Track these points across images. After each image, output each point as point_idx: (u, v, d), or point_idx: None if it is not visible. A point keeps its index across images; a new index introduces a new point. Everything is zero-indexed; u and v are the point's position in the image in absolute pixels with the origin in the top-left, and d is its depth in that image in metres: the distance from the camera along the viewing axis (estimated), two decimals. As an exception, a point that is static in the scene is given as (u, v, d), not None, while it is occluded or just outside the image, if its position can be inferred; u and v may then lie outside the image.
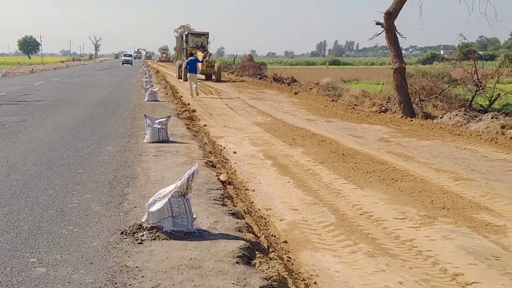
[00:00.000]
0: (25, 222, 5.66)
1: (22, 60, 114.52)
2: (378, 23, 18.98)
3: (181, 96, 24.99)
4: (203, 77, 41.01)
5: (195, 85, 26.57)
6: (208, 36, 43.25)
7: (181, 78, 40.56)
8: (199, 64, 33.34)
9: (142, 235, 5.19)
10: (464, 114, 16.59)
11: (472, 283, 5.13)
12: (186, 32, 47.57)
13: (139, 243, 5.05)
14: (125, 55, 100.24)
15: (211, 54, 43.67)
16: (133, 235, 5.22)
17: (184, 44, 44.59)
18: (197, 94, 26.38)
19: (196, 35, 44.72)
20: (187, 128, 13.61)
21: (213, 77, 40.43)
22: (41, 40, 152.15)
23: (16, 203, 6.40)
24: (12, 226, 5.53)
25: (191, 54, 31.57)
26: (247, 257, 4.83)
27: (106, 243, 5.08)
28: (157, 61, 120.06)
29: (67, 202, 6.49)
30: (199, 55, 38.71)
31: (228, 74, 48.47)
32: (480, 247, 6.06)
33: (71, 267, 4.49)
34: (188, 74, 28.06)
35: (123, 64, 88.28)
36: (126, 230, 5.35)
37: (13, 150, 9.86)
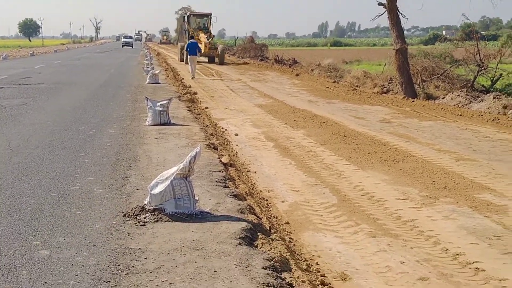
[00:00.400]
0: (27, 205, 5.68)
1: (22, 43, 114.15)
2: (380, 4, 18.87)
3: (182, 79, 24.93)
4: (205, 59, 40.28)
5: (194, 68, 26.85)
6: (211, 17, 41.88)
7: (183, 61, 39.38)
8: (201, 46, 33.75)
9: (145, 217, 5.21)
10: (466, 94, 16.54)
11: (473, 262, 5.15)
12: (188, 13, 45.91)
13: (141, 225, 5.07)
14: (125, 37, 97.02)
15: (214, 36, 42.52)
16: (136, 217, 5.24)
17: (186, 25, 43.24)
18: (193, 77, 26.30)
19: (199, 16, 43.21)
20: (189, 110, 13.60)
21: (216, 59, 39.53)
22: (41, 23, 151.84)
23: (19, 186, 6.42)
24: (14, 209, 5.55)
25: (191, 37, 32.26)
26: (249, 238, 4.85)
27: (109, 225, 5.10)
28: (158, 43, 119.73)
29: (70, 185, 6.51)
30: (202, 37, 38.07)
31: (229, 56, 47.80)
32: (481, 227, 6.08)
33: (74, 249, 4.51)
34: (188, 56, 28.36)
35: (123, 46, 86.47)
36: (129, 212, 5.37)
37: (15, 133, 9.87)
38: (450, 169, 8.67)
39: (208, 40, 38.92)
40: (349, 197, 7.25)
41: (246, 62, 41.82)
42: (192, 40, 29.04)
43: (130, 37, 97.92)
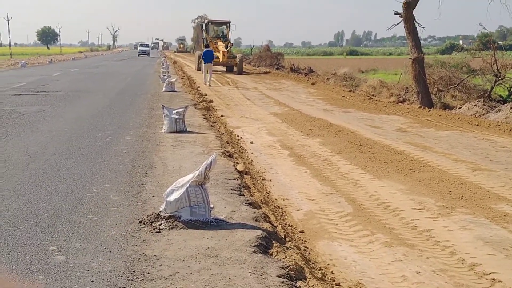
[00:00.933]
0: (44, 211, 5.72)
1: (41, 50, 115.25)
2: (396, 13, 18.83)
3: (198, 87, 25.04)
4: (223, 69, 39.57)
5: (209, 75, 27.61)
6: (229, 25, 40.51)
7: (200, 70, 36.88)
8: (219, 55, 34.21)
9: (160, 224, 5.23)
10: (483, 104, 16.44)
11: (490, 273, 5.10)
12: (206, 21, 43.81)
13: (157, 232, 5.08)
14: (141, 45, 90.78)
15: (232, 44, 41.03)
16: (151, 224, 5.26)
17: (203, 33, 41.74)
18: (209, 85, 26.93)
19: (217, 24, 42.03)
20: (204, 118, 13.64)
21: (235, 69, 38.42)
22: (59, 31, 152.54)
23: (36, 192, 6.48)
24: (31, 214, 5.60)
25: (207, 45, 34.50)
26: (264, 246, 4.85)
27: (125, 232, 5.13)
28: (175, 52, 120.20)
29: (86, 191, 6.55)
30: (220, 45, 37.38)
31: (245, 65, 47.64)
32: (498, 238, 6.03)
33: (90, 255, 4.53)
34: (203, 64, 28.82)
35: (139, 55, 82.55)
36: (144, 219, 5.39)
37: (33, 140, 9.96)
38: (466, 179, 8.61)
39: (226, 48, 37.88)
40: (365, 206, 7.22)
41: (266, 72, 40.45)
42: (207, 49, 30.33)
43: (147, 45, 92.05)
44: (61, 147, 9.39)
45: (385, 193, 7.84)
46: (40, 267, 4.30)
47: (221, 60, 36.98)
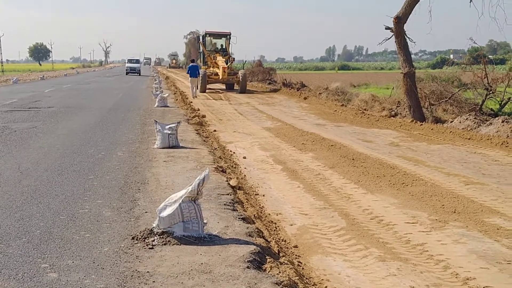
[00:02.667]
0: (36, 228, 5.69)
1: (32, 67, 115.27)
2: (387, 28, 18.95)
3: (191, 102, 25.08)
4: (223, 86, 36.12)
5: (195, 89, 29.58)
6: (230, 37, 36.47)
7: (195, 97, 31.27)
8: (219, 72, 32.87)
9: (153, 240, 5.20)
10: (475, 118, 16.52)
11: (484, 287, 5.10)
12: (203, 32, 37.98)
13: (150, 248, 5.06)
14: (130, 61, 70.83)
15: (234, 59, 37.15)
16: (144, 240, 5.24)
17: (200, 47, 37.57)
18: (196, 97, 28.63)
19: (216, 36, 37.75)
20: (197, 133, 13.64)
21: (236, 86, 34.59)
22: (51, 47, 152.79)
23: (28, 209, 6.44)
24: (23, 231, 5.56)
25: (192, 61, 33.29)
26: (257, 262, 4.83)
27: (117, 248, 5.10)
28: (167, 68, 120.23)
29: (78, 208, 6.52)
30: (219, 60, 34.11)
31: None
32: (491, 251, 6.04)
33: (83, 272, 4.51)
34: (189, 78, 29.70)
35: (127, 73, 65.76)
36: (137, 235, 5.37)
37: (25, 157, 9.92)
38: (459, 193, 8.63)
39: (226, 64, 34.11)
40: (358, 220, 7.22)
41: (275, 89, 36.04)
42: (192, 64, 30.80)
43: (137, 61, 72.05)
44: (53, 163, 9.36)
45: (378, 207, 7.84)
46: (32, 284, 4.27)
47: (221, 77, 33.54)
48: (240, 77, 33.56)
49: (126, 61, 74.25)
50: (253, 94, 32.88)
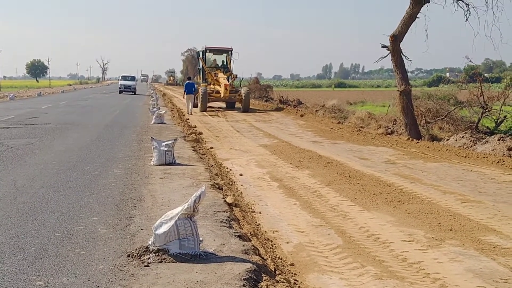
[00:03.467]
0: (31, 245, 5.66)
1: (30, 83, 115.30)
2: (384, 46, 19.07)
3: (188, 119, 25.11)
4: (223, 105, 34.71)
5: (191, 105, 29.65)
6: (231, 53, 34.73)
7: (196, 107, 31.79)
8: (221, 89, 31.44)
9: (149, 258, 5.18)
10: (471, 136, 16.57)
11: (480, 306, 5.08)
12: (203, 48, 35.49)
13: (145, 266, 5.04)
14: (124, 78, 61.58)
15: (236, 76, 34.58)
16: (140, 258, 5.21)
17: (201, 62, 35.60)
18: (191, 114, 28.72)
19: (217, 52, 35.86)
20: (194, 150, 13.64)
21: (237, 105, 33.24)
22: (49, 64, 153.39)
23: (23, 226, 6.42)
24: (18, 249, 5.54)
25: (189, 78, 33.79)
26: (253, 280, 4.81)
27: (113, 266, 5.08)
28: (164, 85, 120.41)
29: (74, 225, 6.50)
30: (221, 77, 32.57)
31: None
32: (488, 270, 6.02)
33: (78, 290, 4.48)
34: (185, 95, 30.07)
35: (121, 92, 57.97)
36: (133, 252, 5.35)
37: (21, 173, 9.89)
38: (455, 211, 8.63)
39: (228, 81, 32.29)
40: (355, 238, 7.20)
41: (278, 108, 34.31)
42: (188, 81, 31.15)
43: (132, 78, 62.37)
44: (49, 180, 9.34)
45: (375, 225, 7.83)
46: (26, 302, 4.23)
47: (222, 95, 31.66)
48: (243, 95, 31.72)
49: (120, 78, 65.15)
50: (252, 112, 32.39)
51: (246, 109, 31.66)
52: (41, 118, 22.82)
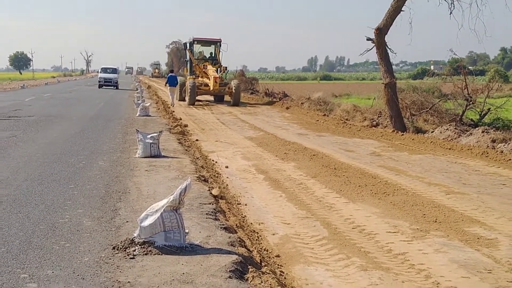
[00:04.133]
0: (16, 238, 5.62)
1: (13, 75, 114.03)
2: (369, 39, 19.11)
3: (173, 111, 25.02)
4: (211, 98, 33.77)
5: (173, 97, 29.98)
6: (220, 45, 33.62)
7: (183, 100, 31.48)
8: (210, 82, 30.44)
9: (134, 250, 5.16)
10: (455, 128, 16.68)
11: (465, 296, 5.12)
12: (191, 39, 33.94)
13: (131, 258, 5.02)
14: (104, 71, 53.96)
15: (226, 68, 33.97)
16: (125, 250, 5.19)
17: (188, 54, 34.09)
18: (172, 106, 28.69)
19: (205, 43, 34.64)
20: (179, 142, 13.60)
21: (226, 98, 32.31)
22: (32, 56, 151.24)
23: (7, 218, 6.36)
24: (3, 241, 5.49)
25: (171, 71, 33.90)
26: (239, 271, 4.81)
27: (98, 258, 5.05)
28: (150, 77, 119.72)
29: (59, 217, 6.45)
30: (210, 69, 31.35)
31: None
32: (472, 260, 6.07)
33: (63, 282, 4.45)
34: (168, 87, 30.03)
35: (100, 86, 51.20)
36: (118, 245, 5.32)
37: (4, 166, 9.80)
38: (440, 202, 8.69)
39: (218, 73, 31.30)
40: (340, 230, 7.23)
41: (271, 102, 33.10)
42: (171, 74, 31.22)
43: (114, 71, 54.38)
44: (33, 172, 9.26)
45: (360, 216, 7.86)
46: (10, 295, 4.20)
47: (212, 88, 30.55)
48: (233, 88, 30.64)
49: (99, 70, 57.16)
50: (242, 105, 31.42)
51: (237, 103, 30.58)
52: (24, 111, 22.61)
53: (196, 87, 30.39)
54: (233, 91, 30.67)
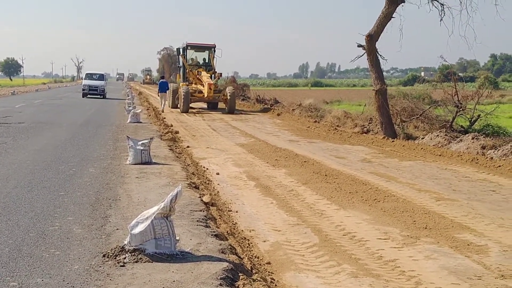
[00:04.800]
0: (5, 246, 5.59)
1: (3, 82, 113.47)
2: (359, 45, 19.19)
3: (164, 118, 24.99)
4: (204, 105, 33.24)
5: (164, 103, 31.23)
6: (214, 50, 32.67)
7: (177, 107, 31.01)
8: (204, 89, 29.72)
9: (124, 258, 5.14)
10: (445, 135, 16.75)
11: (455, 303, 5.13)
12: (184, 44, 33.31)
13: (121, 266, 5.00)
14: (89, 77, 46.51)
15: (221, 74, 33.39)
16: (115, 258, 5.17)
17: (181, 60, 33.10)
18: (162, 111, 29.35)
19: (198, 48, 33.82)
20: (170, 149, 13.58)
21: (220, 105, 31.60)
22: (22, 62, 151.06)
23: (-4, 226, 6.32)
24: (-8, 249, 5.46)
25: (162, 77, 35.37)
26: (230, 279, 4.81)
27: (88, 266, 5.03)
28: (141, 83, 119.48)
29: (48, 225, 6.42)
30: (204, 76, 30.45)
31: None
32: (462, 267, 6.09)
33: (52, 290, 4.43)
34: (159, 93, 31.41)
35: (84, 95, 44.45)
36: (108, 252, 5.30)
37: (-6, 173, 9.74)
38: (430, 208, 8.72)
39: (212, 80, 30.52)
40: (331, 237, 7.23)
41: (265, 109, 32.37)
42: (162, 80, 33.10)
43: (101, 77, 46.42)
44: (23, 179, 9.22)
45: (351, 223, 7.88)
46: (0, 304, 4.17)
47: (206, 95, 29.83)
48: (228, 95, 29.64)
49: (84, 76, 49.65)
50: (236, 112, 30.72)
51: (232, 110, 29.60)
52: (15, 117, 22.51)
53: (190, 94, 29.63)
54: (228, 98, 29.68)
